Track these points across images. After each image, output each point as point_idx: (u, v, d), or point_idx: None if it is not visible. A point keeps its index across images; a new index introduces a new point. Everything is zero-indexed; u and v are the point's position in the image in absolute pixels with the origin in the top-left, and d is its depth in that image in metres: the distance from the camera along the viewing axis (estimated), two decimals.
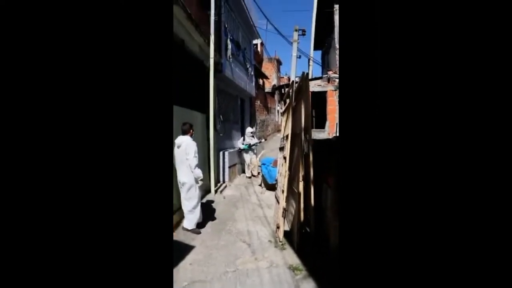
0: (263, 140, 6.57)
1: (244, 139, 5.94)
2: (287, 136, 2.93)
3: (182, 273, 2.13)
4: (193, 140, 2.92)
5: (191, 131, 2.94)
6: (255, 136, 6.16)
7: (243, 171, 6.14)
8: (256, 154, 6.10)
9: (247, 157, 5.91)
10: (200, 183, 2.95)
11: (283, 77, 18.89)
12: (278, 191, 3.27)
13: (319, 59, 11.56)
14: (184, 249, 2.51)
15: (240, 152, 5.99)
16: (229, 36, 5.64)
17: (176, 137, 2.89)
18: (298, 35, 6.81)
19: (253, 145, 5.91)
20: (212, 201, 4.11)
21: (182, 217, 2.98)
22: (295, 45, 6.60)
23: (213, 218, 3.42)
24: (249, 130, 6.05)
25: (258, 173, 5.78)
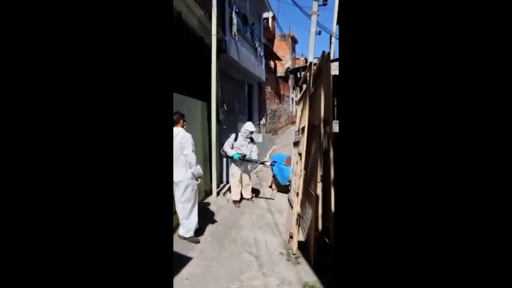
0: (267, 160, 4.84)
1: (236, 139, 4.25)
2: (303, 128, 2.92)
3: None
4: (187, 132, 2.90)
5: (181, 121, 2.91)
6: (255, 141, 4.46)
7: (229, 190, 4.61)
8: (249, 172, 4.51)
9: (235, 169, 4.27)
10: (199, 181, 2.97)
11: (298, 59, 18.73)
12: (292, 193, 3.27)
13: None
14: (180, 261, 2.54)
15: (227, 157, 4.41)
16: (234, 9, 5.60)
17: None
18: (318, 5, 6.68)
19: (251, 161, 4.33)
20: (214, 205, 4.15)
21: (177, 223, 3.01)
22: (314, 18, 6.48)
23: (215, 225, 3.45)
24: (247, 127, 4.25)
25: (252, 197, 4.53)
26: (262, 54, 8.35)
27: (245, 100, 7.65)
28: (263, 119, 9.64)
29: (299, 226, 2.76)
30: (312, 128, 2.85)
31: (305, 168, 2.83)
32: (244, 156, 4.17)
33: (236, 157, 4.13)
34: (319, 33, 7.69)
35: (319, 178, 2.57)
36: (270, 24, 12.04)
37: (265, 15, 9.43)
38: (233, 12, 5.55)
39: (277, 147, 8.49)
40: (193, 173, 2.86)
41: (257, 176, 6.04)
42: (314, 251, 2.49)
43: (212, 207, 4.05)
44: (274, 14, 10.56)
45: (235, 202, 4.28)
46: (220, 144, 4.43)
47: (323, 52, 2.79)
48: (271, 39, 12.77)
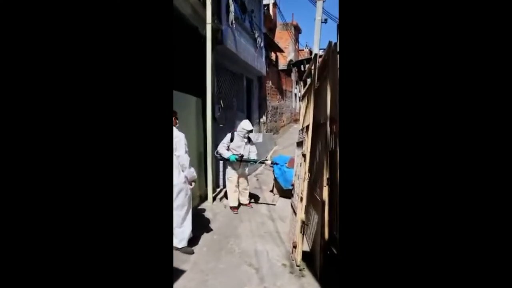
0: (268, 159, 4.70)
1: (232, 140, 4.20)
2: (307, 127, 2.91)
3: None
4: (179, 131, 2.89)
5: (173, 119, 2.90)
6: (253, 141, 4.41)
7: (225, 196, 4.56)
8: (246, 175, 4.46)
9: (232, 173, 4.21)
10: (193, 185, 2.96)
11: (302, 50, 18.81)
12: (295, 199, 3.26)
13: None
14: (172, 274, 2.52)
15: (222, 159, 4.35)
16: None
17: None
18: None
19: (249, 161, 4.27)
20: (210, 211, 4.14)
21: None
22: (319, 4, 6.42)
23: (210, 234, 3.44)
24: (244, 125, 4.17)
25: (250, 202, 4.52)
26: (262, 45, 8.33)
27: (244, 96, 7.65)
28: (264, 117, 9.63)
29: (303, 234, 2.74)
30: (317, 126, 2.84)
31: (310, 170, 2.82)
32: (242, 156, 4.11)
33: (232, 158, 4.06)
34: (325, 21, 7.61)
35: (325, 182, 2.55)
36: (271, 12, 12.01)
37: (265, 1, 9.43)
38: None
39: (278, 148, 8.49)
40: (186, 177, 2.85)
41: (257, 180, 6.03)
42: (320, 262, 2.47)
43: (207, 214, 4.04)
44: (275, 1, 10.54)
45: (232, 208, 4.24)
46: (216, 144, 4.41)
47: (330, 42, 2.76)
48: (272, 29, 12.75)
